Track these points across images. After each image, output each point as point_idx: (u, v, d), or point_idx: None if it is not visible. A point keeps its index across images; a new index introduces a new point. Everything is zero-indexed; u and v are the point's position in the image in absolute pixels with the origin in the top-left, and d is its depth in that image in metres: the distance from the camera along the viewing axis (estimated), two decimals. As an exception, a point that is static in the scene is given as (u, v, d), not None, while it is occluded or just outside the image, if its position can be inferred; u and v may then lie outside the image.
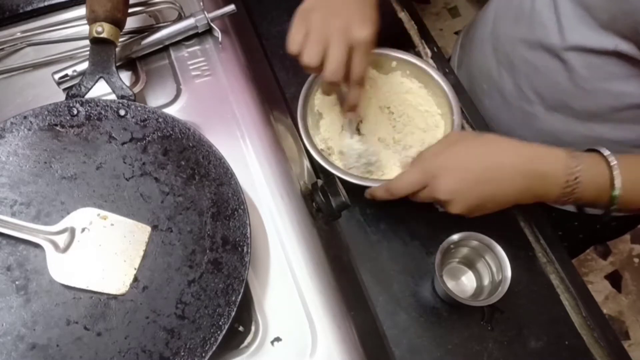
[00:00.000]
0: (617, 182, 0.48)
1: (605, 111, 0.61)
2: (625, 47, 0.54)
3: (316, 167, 0.66)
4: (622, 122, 0.61)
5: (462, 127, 0.68)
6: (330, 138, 0.66)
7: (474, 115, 0.73)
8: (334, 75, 0.54)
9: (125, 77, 0.65)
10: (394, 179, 0.56)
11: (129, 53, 0.64)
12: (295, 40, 0.55)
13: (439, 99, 0.66)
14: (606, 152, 0.50)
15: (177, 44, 0.66)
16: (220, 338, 0.45)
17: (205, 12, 0.65)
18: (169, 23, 0.66)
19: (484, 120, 0.73)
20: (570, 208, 0.76)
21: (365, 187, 0.60)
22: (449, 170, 0.52)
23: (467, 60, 0.82)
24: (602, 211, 0.52)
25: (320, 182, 0.57)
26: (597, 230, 0.81)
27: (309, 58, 0.54)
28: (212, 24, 0.65)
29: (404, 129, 0.67)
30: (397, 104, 0.68)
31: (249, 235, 0.49)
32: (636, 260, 1.71)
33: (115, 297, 0.47)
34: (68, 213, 0.49)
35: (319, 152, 0.61)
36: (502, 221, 0.63)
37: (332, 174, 0.59)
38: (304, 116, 0.64)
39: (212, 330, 0.45)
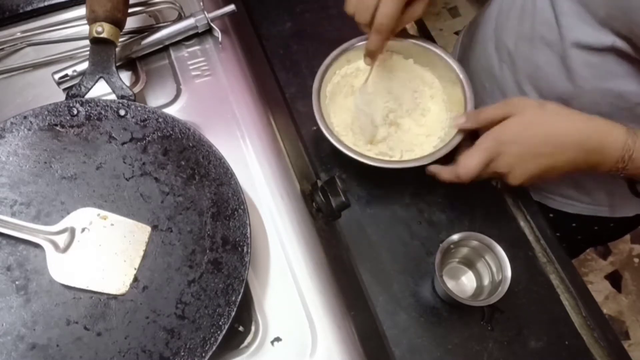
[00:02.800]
0: None
1: (606, 110, 0.61)
2: (622, 44, 0.54)
3: (316, 167, 0.66)
4: (622, 121, 0.61)
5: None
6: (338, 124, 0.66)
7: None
8: (359, 15, 0.59)
9: (125, 77, 0.65)
10: (461, 162, 0.56)
11: (129, 53, 0.64)
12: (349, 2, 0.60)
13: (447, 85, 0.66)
14: None
15: (177, 44, 0.66)
16: (220, 338, 0.45)
17: (205, 12, 0.65)
18: (169, 23, 0.66)
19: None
20: (569, 209, 0.76)
21: (382, 169, 0.59)
22: (511, 145, 0.54)
23: (469, 59, 0.82)
24: None
25: (320, 182, 0.57)
26: (595, 231, 0.81)
27: (349, 3, 0.60)
28: (212, 24, 0.65)
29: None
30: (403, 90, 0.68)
31: (249, 235, 0.49)
32: (636, 260, 1.71)
33: (115, 297, 0.47)
34: (68, 213, 0.49)
35: (335, 135, 0.60)
36: (502, 221, 0.63)
37: (333, 174, 0.59)
38: (318, 100, 0.63)
39: (212, 330, 0.45)
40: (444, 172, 0.58)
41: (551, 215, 0.78)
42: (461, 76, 0.64)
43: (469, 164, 0.55)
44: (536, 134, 0.53)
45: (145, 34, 0.65)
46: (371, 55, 0.63)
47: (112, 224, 0.49)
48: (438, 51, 0.66)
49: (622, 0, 0.51)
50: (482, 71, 0.77)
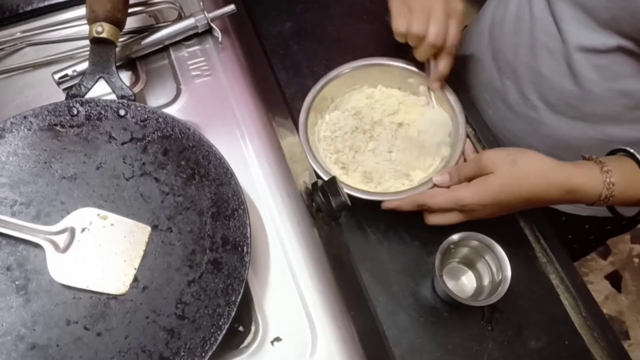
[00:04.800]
0: None
1: (616, 112, 0.61)
2: (628, 44, 0.54)
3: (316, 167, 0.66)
4: (633, 122, 0.61)
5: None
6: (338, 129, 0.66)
7: (480, 124, 0.72)
8: (438, 37, 0.60)
9: (125, 77, 0.65)
10: (428, 195, 0.59)
11: (129, 53, 0.64)
12: (400, 22, 0.61)
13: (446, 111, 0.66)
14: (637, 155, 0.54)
15: (177, 44, 0.66)
16: (220, 338, 0.45)
17: (205, 12, 0.65)
18: (169, 23, 0.66)
19: (490, 131, 0.73)
20: (582, 212, 0.76)
21: (361, 199, 0.60)
22: (489, 205, 0.56)
23: (464, 73, 0.81)
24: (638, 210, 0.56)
25: (320, 182, 0.57)
26: (607, 230, 0.81)
27: (418, 27, 0.60)
28: (212, 24, 0.65)
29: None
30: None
31: (249, 235, 0.49)
32: (636, 260, 1.71)
33: (115, 297, 0.47)
34: (68, 213, 0.49)
35: (319, 162, 0.62)
36: (502, 221, 0.63)
37: (332, 174, 0.59)
38: (306, 124, 0.64)
39: (212, 330, 0.45)
40: (405, 205, 0.60)
41: (563, 218, 0.77)
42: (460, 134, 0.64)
43: (436, 203, 0.58)
44: (513, 196, 0.55)
45: (145, 34, 0.65)
46: (443, 79, 0.66)
47: (112, 224, 0.49)
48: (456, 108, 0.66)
49: (628, 2, 0.50)
50: (481, 84, 0.76)
